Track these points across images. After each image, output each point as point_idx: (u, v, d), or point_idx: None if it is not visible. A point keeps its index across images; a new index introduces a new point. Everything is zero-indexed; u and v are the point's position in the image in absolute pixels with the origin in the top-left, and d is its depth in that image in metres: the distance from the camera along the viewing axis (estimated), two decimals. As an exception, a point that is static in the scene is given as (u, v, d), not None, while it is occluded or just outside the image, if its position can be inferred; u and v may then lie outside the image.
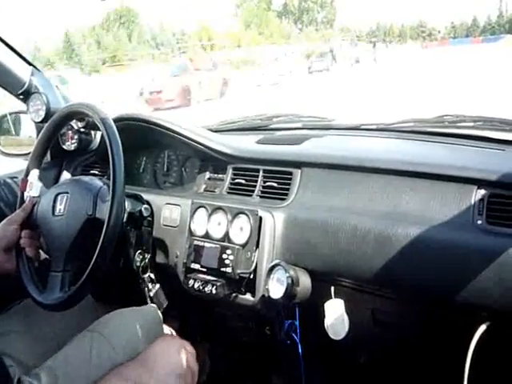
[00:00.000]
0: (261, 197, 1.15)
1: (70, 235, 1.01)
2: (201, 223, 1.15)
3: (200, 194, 1.27)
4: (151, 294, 1.24)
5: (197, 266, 1.13)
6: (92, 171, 1.50)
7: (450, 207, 0.89)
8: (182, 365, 0.89)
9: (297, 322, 1.11)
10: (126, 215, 1.13)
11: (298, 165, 1.12)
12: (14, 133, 1.56)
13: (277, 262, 1.01)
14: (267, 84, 20.01)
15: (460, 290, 0.84)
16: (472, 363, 0.87)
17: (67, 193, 1.05)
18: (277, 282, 0.99)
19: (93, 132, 1.48)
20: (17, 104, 1.47)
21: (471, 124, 1.21)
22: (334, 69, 25.21)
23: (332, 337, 1.03)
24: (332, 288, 1.05)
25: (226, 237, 1.09)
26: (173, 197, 1.26)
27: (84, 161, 1.51)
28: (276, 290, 0.99)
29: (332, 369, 1.36)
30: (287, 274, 0.98)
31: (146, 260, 1.22)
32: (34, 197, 1.10)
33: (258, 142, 1.29)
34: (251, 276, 1.06)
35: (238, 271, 1.06)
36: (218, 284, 1.08)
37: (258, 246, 1.05)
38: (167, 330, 1.07)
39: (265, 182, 1.16)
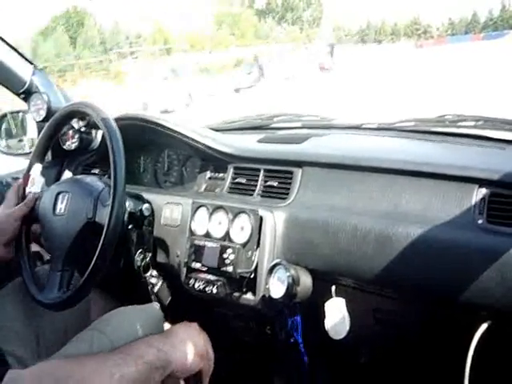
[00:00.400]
0: (261, 196, 1.15)
1: (69, 236, 1.02)
2: (201, 222, 1.14)
3: (201, 194, 1.27)
4: (155, 289, 1.24)
5: (197, 266, 1.12)
6: (93, 171, 1.50)
7: (451, 206, 0.89)
8: (203, 348, 0.89)
9: (298, 321, 1.11)
10: (126, 215, 1.13)
11: (299, 164, 1.12)
12: (14, 132, 1.56)
13: (277, 261, 1.01)
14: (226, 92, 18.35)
15: (461, 289, 0.84)
16: (473, 362, 0.87)
17: (68, 192, 1.06)
18: (277, 282, 1.00)
19: (94, 131, 1.48)
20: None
21: (472, 123, 1.21)
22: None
23: (333, 336, 1.03)
24: (333, 287, 1.05)
25: (227, 236, 1.09)
26: (173, 196, 1.26)
27: (85, 160, 1.51)
28: (277, 290, 0.99)
29: (333, 368, 1.36)
30: (288, 274, 0.98)
31: (147, 259, 1.22)
32: (35, 193, 1.11)
33: (259, 142, 1.28)
34: (252, 275, 1.06)
35: (239, 270, 1.06)
36: (219, 283, 1.08)
37: (258, 246, 1.05)
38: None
39: (265, 182, 1.16)
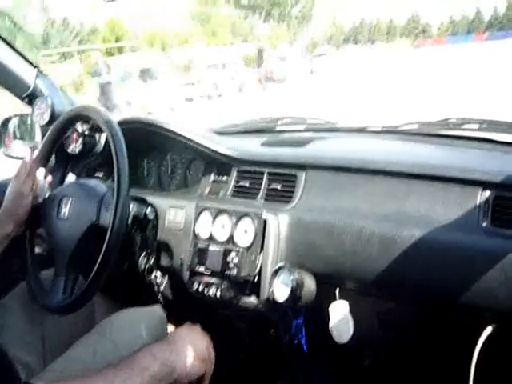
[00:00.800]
0: (265, 199, 1.15)
1: (73, 239, 1.02)
2: (205, 226, 1.15)
3: (204, 197, 1.27)
4: (161, 288, 1.25)
5: (201, 269, 1.13)
6: (96, 174, 1.50)
7: (455, 209, 0.89)
8: (205, 351, 0.91)
9: (302, 324, 1.11)
10: (130, 218, 1.13)
11: (303, 167, 1.12)
12: (18, 135, 1.56)
13: (281, 264, 1.01)
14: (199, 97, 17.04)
15: (466, 291, 0.84)
16: (478, 366, 0.87)
17: (72, 196, 1.06)
18: (282, 285, 0.99)
19: (97, 135, 1.48)
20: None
21: (476, 126, 1.20)
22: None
23: (337, 339, 1.03)
24: (337, 290, 1.05)
25: (231, 239, 1.09)
26: (177, 199, 1.26)
27: (88, 164, 1.51)
28: (281, 293, 0.99)
29: (337, 371, 1.35)
30: (292, 277, 0.98)
31: (151, 262, 1.23)
32: (40, 197, 1.11)
33: (263, 145, 1.29)
34: (256, 279, 1.05)
35: (243, 274, 1.06)
36: (223, 287, 1.08)
37: (262, 249, 1.05)
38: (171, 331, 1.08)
39: (269, 185, 1.16)
